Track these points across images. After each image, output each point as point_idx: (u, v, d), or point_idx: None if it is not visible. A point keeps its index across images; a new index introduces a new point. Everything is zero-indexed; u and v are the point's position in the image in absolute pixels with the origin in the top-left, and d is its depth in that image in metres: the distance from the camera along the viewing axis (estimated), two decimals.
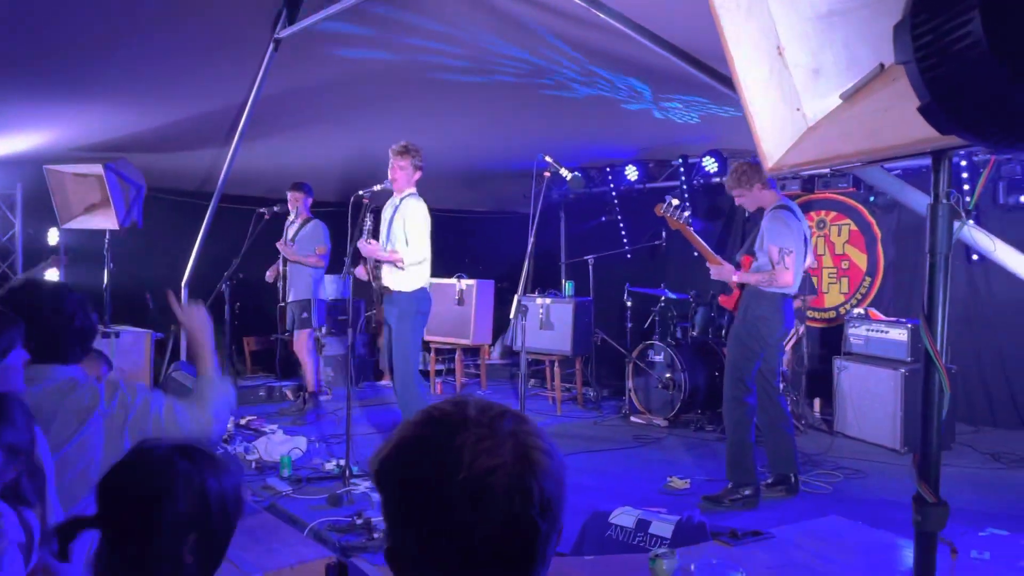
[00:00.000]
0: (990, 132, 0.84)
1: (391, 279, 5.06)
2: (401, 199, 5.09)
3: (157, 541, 1.37)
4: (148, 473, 1.41)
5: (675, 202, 4.90)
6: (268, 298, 8.52)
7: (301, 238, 6.88)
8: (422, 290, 5.08)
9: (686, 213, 4.89)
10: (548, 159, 4.34)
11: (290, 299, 6.90)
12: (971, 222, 5.97)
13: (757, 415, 4.63)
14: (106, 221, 6.44)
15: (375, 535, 3.87)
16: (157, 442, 1.48)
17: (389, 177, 5.04)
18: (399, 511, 0.92)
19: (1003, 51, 0.74)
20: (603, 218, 9.29)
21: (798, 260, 4.52)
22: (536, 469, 0.90)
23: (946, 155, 1.70)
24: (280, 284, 7.00)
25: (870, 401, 5.98)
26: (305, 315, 6.83)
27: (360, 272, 5.20)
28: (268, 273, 7.07)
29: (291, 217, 6.99)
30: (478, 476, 0.87)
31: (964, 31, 0.76)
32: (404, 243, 4.98)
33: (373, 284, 5.14)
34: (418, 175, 5.11)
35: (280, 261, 6.95)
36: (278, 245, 6.84)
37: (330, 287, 7.99)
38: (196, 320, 2.53)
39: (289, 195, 6.94)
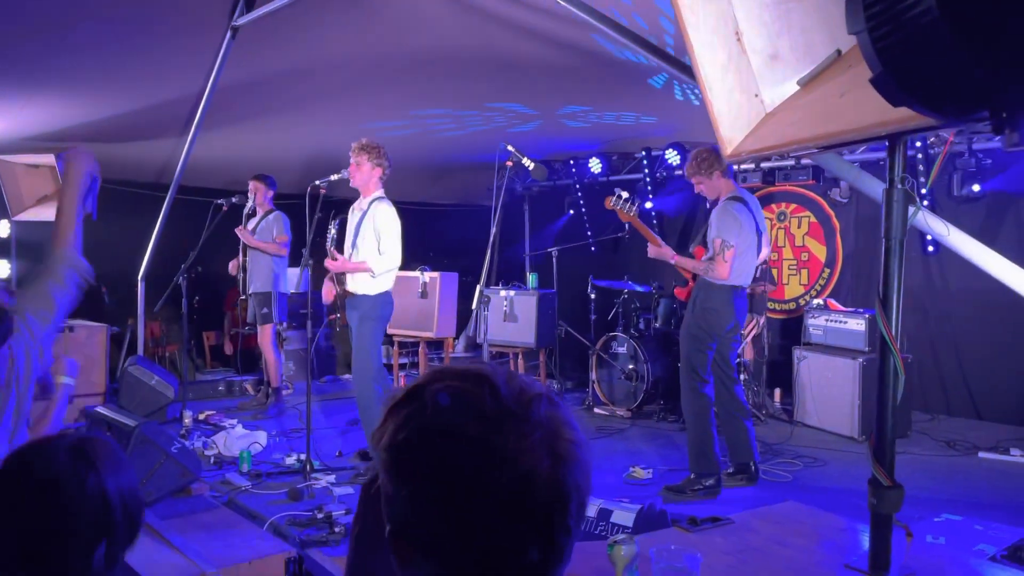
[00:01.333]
0: (942, 102, 0.83)
1: (355, 284, 4.99)
2: (369, 203, 4.97)
3: (57, 550, 1.28)
4: (35, 476, 1.31)
5: (624, 194, 4.88)
6: (227, 292, 8.40)
7: (262, 229, 6.77)
8: (386, 294, 5.01)
9: (635, 206, 4.87)
10: (510, 148, 4.32)
11: (251, 291, 6.79)
12: (926, 202, 6.08)
13: (715, 405, 4.66)
14: None
15: (336, 529, 3.82)
16: (44, 443, 1.38)
17: (349, 173, 4.96)
18: (412, 502, 0.84)
19: (955, 18, 0.74)
20: (567, 211, 9.30)
21: (746, 254, 4.54)
22: (573, 468, 0.84)
23: (901, 140, 1.71)
24: (240, 276, 6.88)
25: (829, 390, 6.07)
26: (266, 310, 6.72)
27: (326, 290, 5.13)
28: (231, 265, 6.95)
29: (248, 206, 6.85)
30: (516, 479, 0.80)
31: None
32: (376, 250, 4.89)
33: (337, 289, 5.07)
34: (378, 172, 4.97)
35: (240, 252, 6.83)
36: (237, 231, 6.69)
37: (293, 279, 7.88)
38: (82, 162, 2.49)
39: (251, 184, 6.81)
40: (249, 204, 6.82)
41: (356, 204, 5.10)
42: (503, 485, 0.80)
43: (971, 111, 0.83)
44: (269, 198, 6.88)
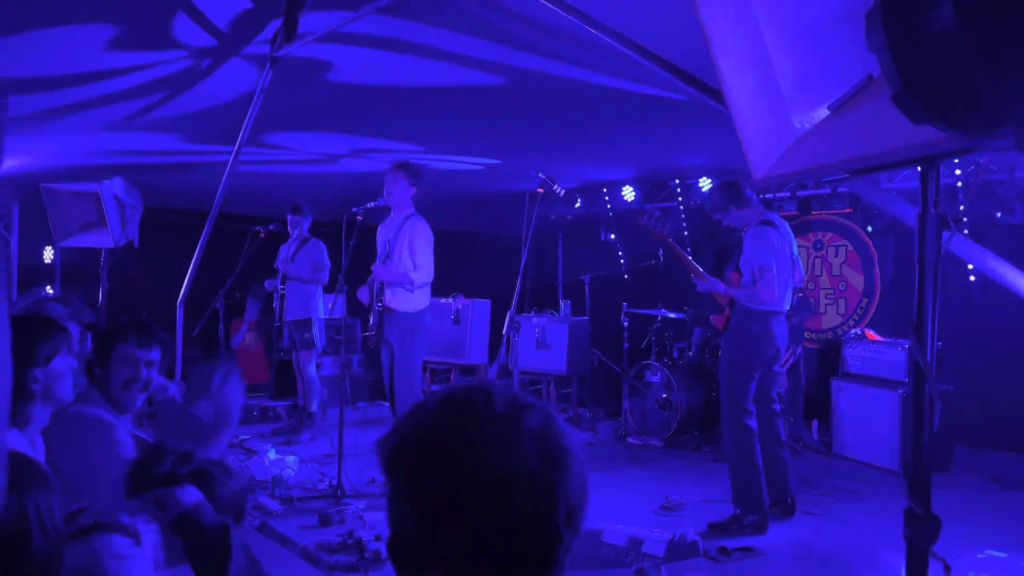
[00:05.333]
0: (963, 119, 0.82)
1: (396, 300, 5.08)
2: (404, 220, 5.11)
3: None
4: None
5: (656, 212, 4.85)
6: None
7: (300, 258, 6.88)
8: (424, 311, 5.15)
9: (666, 223, 4.84)
10: (541, 175, 4.34)
11: (287, 318, 6.87)
12: (966, 231, 5.96)
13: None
14: (101, 239, 6.43)
15: (366, 554, 3.82)
16: None
17: (385, 191, 5.08)
18: (409, 502, 0.85)
19: (975, 33, 0.73)
20: (601, 238, 9.29)
21: (781, 277, 4.46)
22: (563, 474, 0.85)
23: (934, 164, 1.69)
24: (277, 304, 6.97)
25: (868, 422, 5.94)
26: (308, 335, 6.78)
27: (363, 295, 5.23)
28: (267, 282, 7.07)
29: (292, 236, 6.97)
30: (502, 479, 0.82)
31: (935, 15, 0.75)
32: (412, 265, 5.02)
33: (376, 306, 5.16)
34: (413, 191, 5.14)
35: (279, 280, 6.93)
36: (278, 264, 6.82)
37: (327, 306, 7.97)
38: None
39: (289, 219, 6.94)
40: (294, 234, 6.96)
41: (388, 221, 5.22)
42: (483, 484, 0.82)
43: (993, 127, 0.81)
44: (306, 227, 6.99)
